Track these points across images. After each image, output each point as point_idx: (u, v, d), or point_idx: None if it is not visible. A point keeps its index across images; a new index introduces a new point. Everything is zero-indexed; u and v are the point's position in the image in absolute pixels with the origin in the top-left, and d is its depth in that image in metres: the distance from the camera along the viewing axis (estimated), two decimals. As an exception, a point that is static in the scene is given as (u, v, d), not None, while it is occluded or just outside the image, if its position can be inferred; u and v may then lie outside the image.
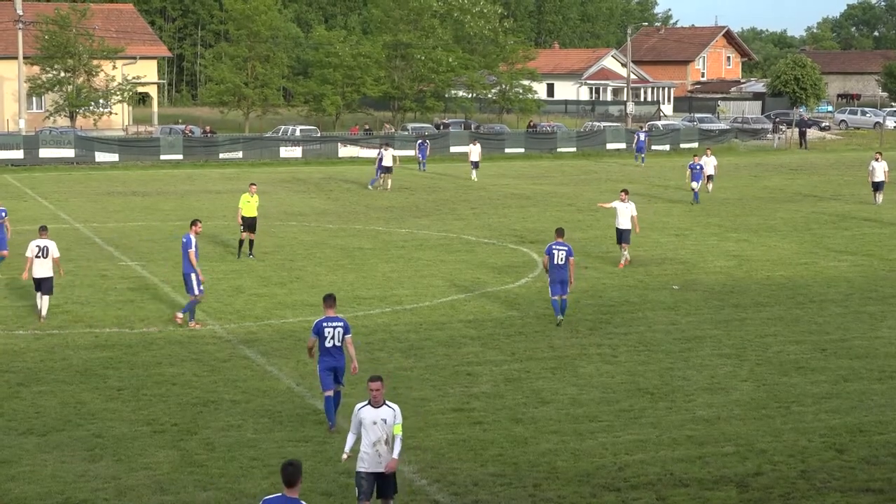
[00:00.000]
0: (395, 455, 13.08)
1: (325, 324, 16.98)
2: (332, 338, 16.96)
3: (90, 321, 24.47)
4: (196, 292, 23.96)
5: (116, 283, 28.82)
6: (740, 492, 14.92)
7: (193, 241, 24.10)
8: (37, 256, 24.72)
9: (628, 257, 31.29)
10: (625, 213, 31.03)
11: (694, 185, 45.87)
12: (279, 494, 10.67)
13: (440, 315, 25.20)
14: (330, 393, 17.21)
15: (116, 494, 14.72)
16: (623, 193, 31.60)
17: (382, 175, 52.17)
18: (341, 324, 17.04)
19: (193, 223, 24.77)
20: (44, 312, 24.55)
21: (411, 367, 20.92)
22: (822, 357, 21.70)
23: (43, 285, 24.67)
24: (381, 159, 52.48)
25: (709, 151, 51.03)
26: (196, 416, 17.93)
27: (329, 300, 17.22)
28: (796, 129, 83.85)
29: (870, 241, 35.95)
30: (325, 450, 16.27)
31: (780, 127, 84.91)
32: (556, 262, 24.06)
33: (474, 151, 58.10)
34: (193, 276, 23.87)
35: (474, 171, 57.07)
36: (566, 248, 24.18)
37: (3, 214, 29.56)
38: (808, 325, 24.37)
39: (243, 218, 32.39)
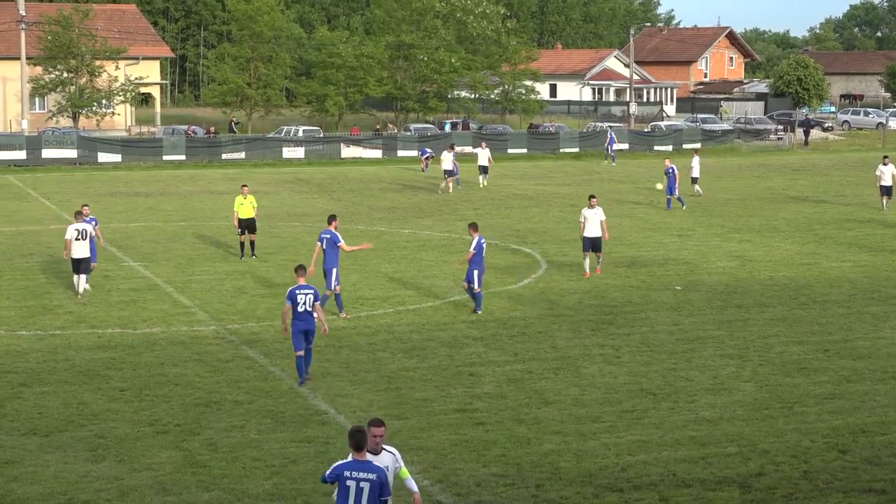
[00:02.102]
0: (416, 490, 11.81)
1: (297, 291, 19.46)
2: (304, 303, 19.38)
3: (93, 322, 24.49)
4: (334, 286, 24.60)
5: (119, 283, 28.84)
6: (743, 492, 14.91)
7: (339, 234, 24.91)
8: (76, 239, 26.68)
9: (599, 267, 29.87)
10: (594, 220, 29.42)
11: (662, 189, 44.20)
12: (350, 459, 11.09)
13: (443, 315, 25.21)
14: (300, 353, 19.59)
15: (119, 495, 14.73)
16: (592, 199, 29.94)
17: (448, 178, 50.83)
18: (312, 291, 19.52)
19: (332, 219, 25.49)
20: (80, 290, 26.72)
21: (414, 367, 20.93)
22: (825, 358, 21.69)
23: (81, 265, 26.75)
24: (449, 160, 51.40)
25: (695, 153, 50.54)
26: (199, 416, 17.94)
27: (301, 270, 19.97)
28: (800, 129, 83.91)
29: (873, 242, 35.92)
30: (328, 450, 16.26)
31: (788, 127, 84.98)
32: (483, 255, 25.23)
33: (482, 155, 54.09)
34: (335, 270, 24.63)
35: (483, 177, 53.58)
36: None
37: (94, 224, 28.25)
38: (810, 325, 24.36)
39: (240, 220, 32.40)
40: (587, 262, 29.64)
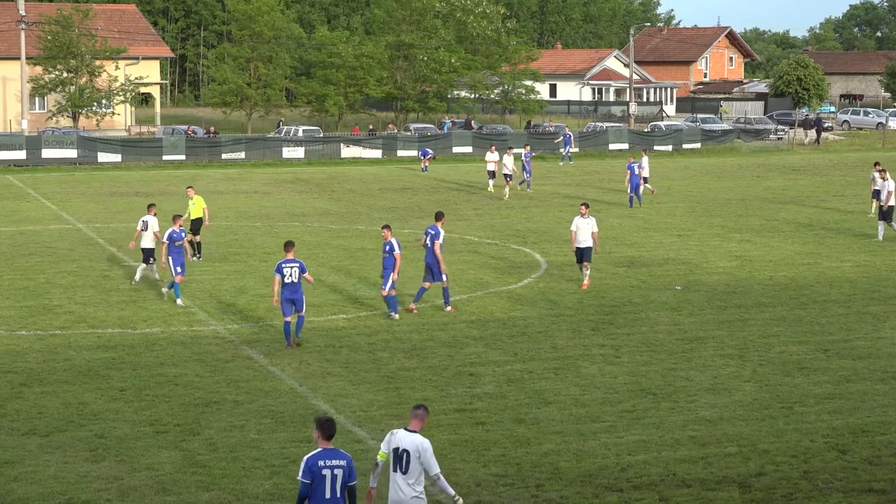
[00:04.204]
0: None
1: (284, 265, 21.84)
2: (291, 275, 21.77)
3: (93, 322, 24.49)
4: (444, 279, 25.32)
5: (119, 283, 28.84)
6: (743, 492, 14.91)
7: (441, 233, 25.42)
8: (142, 230, 28.37)
9: (587, 280, 28.23)
10: (585, 230, 27.82)
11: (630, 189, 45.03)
12: (319, 449, 11.61)
13: (442, 315, 25.20)
14: (288, 319, 21.95)
15: (119, 495, 14.73)
16: (583, 207, 28.34)
17: (508, 182, 49.11)
18: (297, 264, 21.92)
19: (440, 216, 26.04)
20: (137, 277, 28.57)
21: (414, 367, 20.92)
22: (825, 357, 21.69)
23: (144, 255, 28.42)
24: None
25: (644, 152, 50.59)
26: (198, 416, 17.95)
27: (289, 245, 22.23)
28: (812, 128, 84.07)
29: (872, 242, 35.91)
30: (327, 450, 16.24)
31: (801, 125, 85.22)
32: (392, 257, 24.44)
33: (492, 160, 51.30)
34: (437, 266, 25.17)
35: (492, 182, 51.36)
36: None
37: (183, 235, 26.99)
38: (810, 325, 24.36)
39: (192, 221, 32.24)
40: (585, 272, 28.39)
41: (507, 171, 49.23)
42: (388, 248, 24.52)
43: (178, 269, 26.25)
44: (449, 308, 25.42)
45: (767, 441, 16.84)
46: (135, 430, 17.27)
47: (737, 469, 15.74)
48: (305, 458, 11.59)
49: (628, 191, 45.50)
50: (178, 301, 26.19)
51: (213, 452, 16.27)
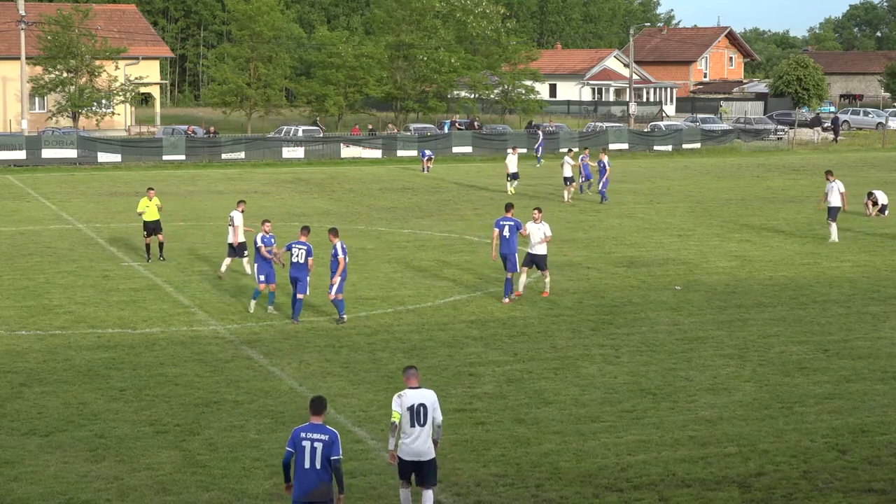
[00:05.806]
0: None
1: (294, 245, 24.00)
2: (298, 255, 23.84)
3: (93, 322, 24.50)
4: (517, 269, 26.71)
5: (119, 283, 28.84)
6: (742, 492, 14.92)
7: (521, 223, 26.86)
8: (229, 225, 29.27)
9: (548, 288, 27.33)
10: (536, 236, 26.74)
11: (598, 185, 47.36)
12: (307, 423, 12.45)
13: (442, 316, 25.21)
14: (301, 296, 24.03)
15: (119, 495, 14.74)
16: (535, 212, 27.31)
17: (569, 185, 47.93)
18: (305, 247, 23.90)
19: (510, 207, 27.44)
20: (223, 269, 29.36)
21: (414, 367, 20.91)
22: (825, 357, 21.69)
23: (236, 249, 29.28)
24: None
25: (599, 152, 50.61)
26: (198, 416, 17.95)
27: (304, 230, 24.36)
28: (818, 126, 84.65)
29: (872, 242, 35.91)
30: (327, 450, 16.24)
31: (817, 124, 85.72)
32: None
33: (512, 161, 50.86)
34: (515, 255, 26.54)
35: (511, 184, 50.51)
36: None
37: (272, 241, 25.67)
38: (810, 325, 24.37)
39: (145, 223, 32.15)
40: (523, 278, 27.08)
41: (567, 175, 48.02)
42: (332, 251, 24.00)
43: (262, 278, 25.27)
44: (515, 294, 26.65)
45: (767, 441, 16.85)
46: (135, 430, 17.27)
47: (737, 469, 15.75)
48: (294, 429, 12.46)
49: (599, 187, 47.21)
50: (270, 308, 25.29)
51: (212, 452, 16.27)
